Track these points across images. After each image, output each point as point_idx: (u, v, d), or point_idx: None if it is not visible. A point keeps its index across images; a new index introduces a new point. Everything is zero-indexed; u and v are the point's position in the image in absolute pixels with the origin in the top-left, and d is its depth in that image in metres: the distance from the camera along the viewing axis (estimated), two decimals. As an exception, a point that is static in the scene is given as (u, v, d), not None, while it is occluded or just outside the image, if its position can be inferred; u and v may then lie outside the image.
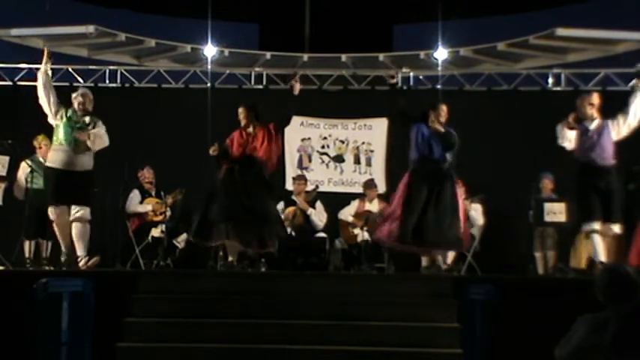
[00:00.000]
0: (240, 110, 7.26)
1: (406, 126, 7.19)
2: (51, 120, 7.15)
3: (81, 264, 6.94)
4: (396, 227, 6.88)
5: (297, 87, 7.35)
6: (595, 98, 6.89)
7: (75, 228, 7.03)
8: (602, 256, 6.66)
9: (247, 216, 6.92)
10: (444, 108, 7.14)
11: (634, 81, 6.85)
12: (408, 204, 6.89)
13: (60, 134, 7.04)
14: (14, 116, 9.87)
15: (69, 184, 6.97)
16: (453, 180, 7.06)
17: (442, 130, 7.07)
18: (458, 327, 5.73)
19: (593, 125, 6.81)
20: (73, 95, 7.19)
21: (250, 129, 7.22)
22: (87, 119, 7.10)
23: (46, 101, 7.12)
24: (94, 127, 7.10)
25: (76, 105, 7.12)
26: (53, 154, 7.09)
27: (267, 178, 7.18)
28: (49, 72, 7.27)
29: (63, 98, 7.25)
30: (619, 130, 6.77)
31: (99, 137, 7.09)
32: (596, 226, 6.71)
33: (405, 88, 9.85)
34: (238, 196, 6.96)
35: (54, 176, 7.06)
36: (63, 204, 7.02)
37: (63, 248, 7.10)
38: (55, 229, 7.09)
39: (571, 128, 6.84)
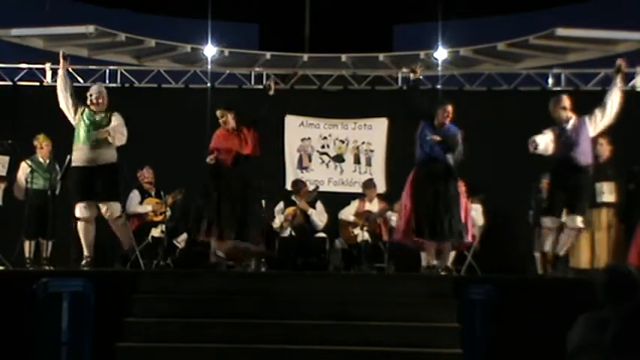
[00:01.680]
0: (221, 113, 7.27)
1: (416, 124, 7.27)
2: (72, 121, 7.15)
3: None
4: (411, 222, 6.99)
5: (272, 87, 7.38)
6: (565, 101, 6.93)
7: (113, 226, 7.15)
8: (547, 247, 6.99)
9: (229, 214, 7.05)
10: (449, 108, 7.19)
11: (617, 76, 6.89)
12: (416, 200, 7.00)
13: (80, 134, 7.05)
14: (14, 116, 9.88)
15: (93, 180, 6.96)
16: (456, 179, 7.15)
17: (442, 132, 7.11)
18: (458, 327, 5.72)
19: (570, 125, 6.85)
20: (87, 94, 7.22)
21: (234, 131, 7.27)
22: (101, 116, 7.10)
23: (66, 104, 7.13)
24: (109, 123, 7.09)
25: (89, 103, 7.14)
26: (75, 153, 7.08)
27: (252, 179, 7.24)
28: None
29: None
30: (596, 125, 6.81)
31: (119, 132, 7.08)
32: (549, 223, 6.93)
33: (404, 88, 9.85)
34: (222, 198, 7.10)
35: (77, 174, 7.03)
36: (89, 200, 6.99)
37: (84, 248, 7.04)
38: (79, 226, 7.04)
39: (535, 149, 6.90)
